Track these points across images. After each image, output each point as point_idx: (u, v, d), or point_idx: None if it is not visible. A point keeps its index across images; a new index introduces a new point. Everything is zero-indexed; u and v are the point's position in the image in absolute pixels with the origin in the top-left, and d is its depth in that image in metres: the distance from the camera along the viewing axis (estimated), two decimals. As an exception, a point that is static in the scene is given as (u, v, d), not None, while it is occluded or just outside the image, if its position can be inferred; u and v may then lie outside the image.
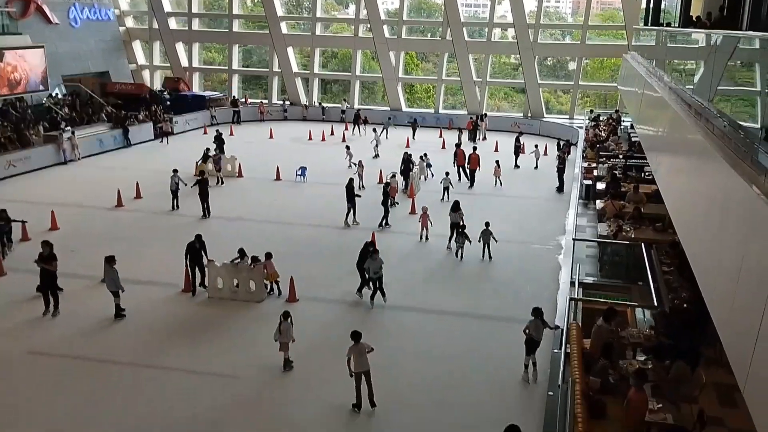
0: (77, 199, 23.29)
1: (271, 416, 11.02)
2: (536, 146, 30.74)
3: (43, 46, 32.37)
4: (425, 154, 27.41)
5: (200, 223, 20.94)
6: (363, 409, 11.09)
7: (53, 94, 35.34)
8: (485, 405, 11.38)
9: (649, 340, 11.27)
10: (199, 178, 22.22)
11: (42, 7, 36.21)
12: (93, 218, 21.44)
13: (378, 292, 15.13)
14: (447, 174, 24.31)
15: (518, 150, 30.21)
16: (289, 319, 12.33)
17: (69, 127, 30.63)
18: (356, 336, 11.15)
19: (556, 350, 11.66)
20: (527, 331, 12.05)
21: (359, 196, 21.29)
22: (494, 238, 18.14)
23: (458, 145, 28.57)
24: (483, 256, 18.22)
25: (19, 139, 28.50)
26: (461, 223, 18.65)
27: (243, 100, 43.96)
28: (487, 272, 17.53)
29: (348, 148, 29.67)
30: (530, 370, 12.14)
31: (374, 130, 33.78)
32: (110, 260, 14.36)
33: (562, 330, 12.02)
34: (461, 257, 18.27)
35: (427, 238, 19.70)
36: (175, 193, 22.25)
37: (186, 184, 22.59)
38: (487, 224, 18.32)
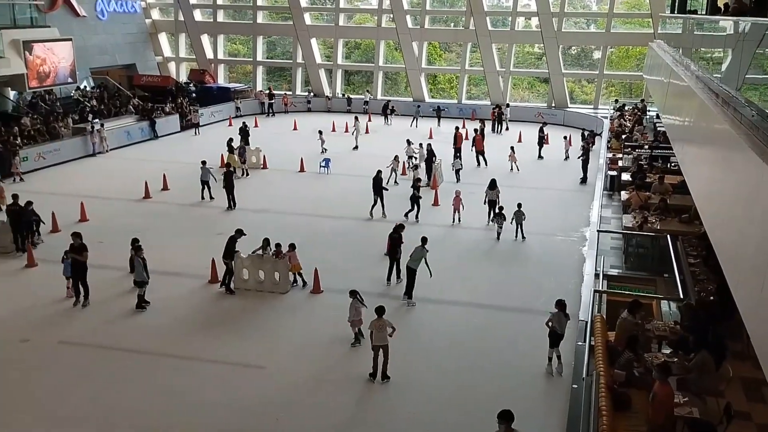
0: (106, 191, 23.70)
1: (298, 407, 11.17)
2: (565, 137, 30.40)
3: (71, 39, 32.76)
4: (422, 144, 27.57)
5: (226, 215, 21.21)
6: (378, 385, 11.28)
7: (81, 87, 35.86)
8: (508, 397, 11.37)
9: (675, 333, 11.21)
10: (225, 170, 22.46)
11: (70, 0, 36.76)
12: (121, 210, 21.81)
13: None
14: (231, 141, 26.37)
15: (542, 141, 30.01)
16: (357, 296, 12.83)
17: (97, 120, 31.12)
18: (380, 311, 11.76)
19: (580, 343, 11.64)
20: (550, 324, 12.06)
21: (386, 189, 21.37)
22: (524, 217, 19.07)
23: (457, 128, 29.28)
24: (516, 236, 19.05)
25: (49, 131, 29.03)
26: (498, 202, 19.93)
27: (268, 91, 44.17)
28: (512, 263, 17.53)
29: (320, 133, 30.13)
30: (554, 362, 12.15)
31: (356, 118, 33.52)
32: (137, 249, 14.65)
33: (586, 322, 12.01)
34: (499, 237, 19.13)
35: (459, 220, 20.33)
36: (206, 183, 22.61)
37: (216, 180, 22.84)
38: (519, 205, 19.16)
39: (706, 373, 9.55)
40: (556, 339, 12.05)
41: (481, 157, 27.82)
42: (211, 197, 22.67)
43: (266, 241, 15.68)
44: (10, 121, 28.73)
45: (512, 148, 27.36)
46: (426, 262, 14.82)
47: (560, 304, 12.05)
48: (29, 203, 18.30)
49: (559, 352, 12.12)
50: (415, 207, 20.77)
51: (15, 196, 18.38)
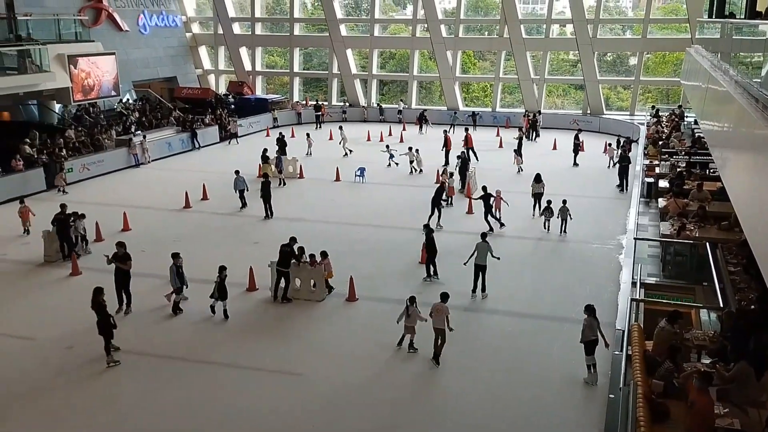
0: (147, 201, 24.32)
1: (335, 413, 11.32)
2: (609, 144, 30.04)
3: (114, 53, 33.76)
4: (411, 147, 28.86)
5: (263, 224, 21.58)
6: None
7: (124, 100, 36.84)
8: (543, 406, 11.39)
9: (715, 343, 11.03)
10: (263, 179, 22.87)
11: (113, 15, 37.92)
12: (162, 219, 22.36)
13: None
14: (458, 158, 26.47)
15: (577, 148, 29.79)
16: (415, 304, 13.05)
17: (139, 132, 31.95)
18: (444, 297, 12.82)
19: (617, 352, 11.53)
20: (586, 335, 12.03)
21: (446, 200, 21.42)
22: (570, 216, 20.25)
23: (445, 132, 31.07)
24: (561, 231, 20.28)
25: (93, 143, 29.93)
26: (543, 194, 21.59)
27: (304, 102, 44.77)
28: (547, 271, 17.45)
29: (388, 146, 30.16)
30: (592, 371, 12.07)
31: (340, 128, 33.82)
32: (174, 257, 15.01)
33: (623, 331, 11.90)
34: (548, 228, 20.51)
35: (499, 220, 20.87)
36: (241, 192, 23.11)
37: (248, 189, 23.30)
38: (564, 201, 20.38)
39: (747, 384, 9.38)
40: (591, 346, 12.03)
41: (471, 153, 29.12)
42: (245, 204, 23.14)
43: (301, 250, 15.92)
44: (56, 133, 29.73)
45: (515, 151, 28.69)
46: (492, 255, 15.68)
47: (589, 309, 12.09)
48: (76, 215, 18.90)
49: (594, 360, 12.05)
50: (435, 211, 20.95)
51: (63, 206, 18.99)
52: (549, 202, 20.62)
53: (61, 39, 31.51)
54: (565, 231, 20.31)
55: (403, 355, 12.87)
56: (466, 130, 31.41)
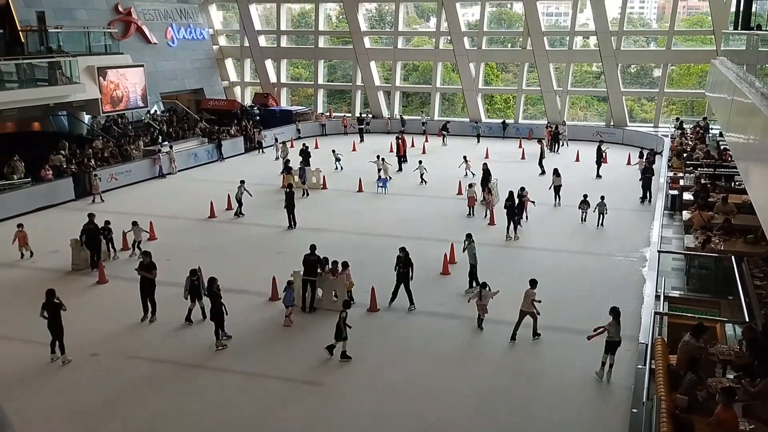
0: (173, 211, 24.70)
1: (354, 424, 11.39)
2: (641, 156, 29.62)
3: (142, 65, 34.33)
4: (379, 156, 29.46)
5: (286, 234, 21.80)
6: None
7: (152, 111, 37.46)
8: (565, 420, 11.35)
9: (740, 358, 10.91)
10: (287, 190, 23.12)
11: (142, 28, 38.73)
12: (188, 229, 22.69)
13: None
14: (420, 162, 28.60)
15: (600, 159, 29.58)
16: (488, 287, 14.74)
17: (167, 142, 32.47)
18: (532, 283, 14.24)
19: (640, 366, 11.46)
20: (603, 330, 12.37)
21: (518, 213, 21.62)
22: (606, 211, 22.07)
23: (397, 137, 32.94)
24: (598, 225, 22.03)
25: (121, 153, 30.49)
26: (561, 185, 24.38)
27: (328, 113, 45.09)
28: (570, 283, 17.37)
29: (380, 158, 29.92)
30: (606, 368, 12.32)
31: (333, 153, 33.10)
32: (191, 272, 15.17)
33: (647, 345, 11.83)
34: (585, 220, 22.51)
35: (527, 218, 22.08)
36: (240, 201, 23.77)
37: (251, 195, 24.09)
38: (602, 197, 22.33)
39: (770, 399, 9.29)
40: (612, 346, 12.30)
41: (307, 158, 30.03)
42: (241, 213, 23.82)
43: (324, 260, 16.03)
44: (85, 143, 30.35)
45: (465, 157, 29.72)
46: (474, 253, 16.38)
47: (615, 312, 12.35)
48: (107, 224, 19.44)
49: (614, 360, 12.28)
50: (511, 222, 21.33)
51: (91, 216, 19.40)
52: (585, 195, 22.59)
53: (91, 51, 32.10)
54: (602, 224, 22.01)
55: (423, 365, 12.89)
56: (397, 138, 32.80)
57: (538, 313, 14.12)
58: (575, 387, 12.32)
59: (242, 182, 24.12)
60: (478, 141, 37.95)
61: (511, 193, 21.19)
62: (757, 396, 9.38)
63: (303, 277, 15.77)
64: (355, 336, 14.54)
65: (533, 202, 22.32)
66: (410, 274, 15.78)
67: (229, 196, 25.11)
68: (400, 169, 30.80)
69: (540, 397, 12.02)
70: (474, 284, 16.29)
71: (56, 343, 13.47)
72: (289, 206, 22.37)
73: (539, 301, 14.05)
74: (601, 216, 22.04)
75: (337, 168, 31.18)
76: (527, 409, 11.65)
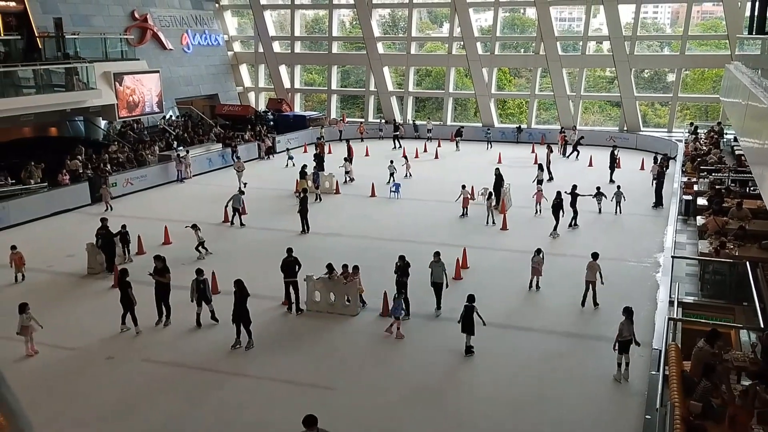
0: (188, 215, 24.81)
1: (367, 428, 11.44)
2: (655, 161, 29.57)
3: (158, 71, 34.65)
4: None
5: (299, 239, 21.88)
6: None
7: (167, 117, 37.79)
8: (578, 426, 11.31)
9: (755, 364, 10.85)
10: (300, 195, 23.21)
11: (158, 34, 39.14)
12: (202, 233, 22.79)
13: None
14: (391, 162, 29.49)
15: (614, 164, 29.42)
16: (541, 254, 16.78)
17: (181, 147, 32.72)
18: (594, 256, 15.94)
19: (653, 372, 11.41)
20: (621, 337, 12.44)
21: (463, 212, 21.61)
22: (624, 197, 23.84)
23: (348, 141, 34.11)
24: (615, 212, 23.78)
25: (136, 158, 30.79)
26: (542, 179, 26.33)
27: (341, 118, 45.21)
28: (581, 289, 17.28)
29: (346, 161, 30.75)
30: (623, 368, 12.38)
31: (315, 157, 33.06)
32: (198, 273, 15.26)
33: (660, 351, 11.78)
34: (600, 210, 23.83)
35: (540, 212, 23.19)
36: (236, 210, 23.48)
37: (245, 212, 23.83)
38: (618, 187, 24.25)
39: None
40: (625, 345, 12.40)
41: (321, 162, 30.56)
42: (242, 224, 23.52)
43: (330, 267, 16.11)
44: (101, 148, 30.69)
45: (405, 157, 31.11)
46: (445, 274, 15.81)
47: (628, 312, 12.52)
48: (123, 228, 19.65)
49: (629, 358, 12.38)
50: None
51: (104, 220, 19.62)
52: (598, 187, 23.96)
53: (107, 57, 32.50)
54: (620, 211, 23.70)
55: (435, 371, 12.89)
56: (318, 139, 34.25)
57: (602, 283, 15.70)
58: (588, 393, 12.28)
59: (242, 192, 24.03)
60: (489, 146, 37.82)
61: (558, 192, 21.87)
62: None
63: (285, 279, 15.96)
64: (367, 341, 14.63)
65: (546, 198, 23.24)
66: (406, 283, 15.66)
67: (242, 200, 25.07)
68: (322, 168, 30.03)
69: (552, 402, 11.98)
70: (439, 306, 15.92)
71: (126, 316, 14.89)
72: (303, 211, 22.47)
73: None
74: (618, 205, 23.65)
75: (287, 165, 32.17)
76: (540, 415, 11.62)
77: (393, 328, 14.61)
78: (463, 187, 24.48)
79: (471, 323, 13.47)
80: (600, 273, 15.76)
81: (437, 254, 15.96)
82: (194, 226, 20.16)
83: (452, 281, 17.59)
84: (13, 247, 18.63)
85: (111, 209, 25.22)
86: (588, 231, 22.23)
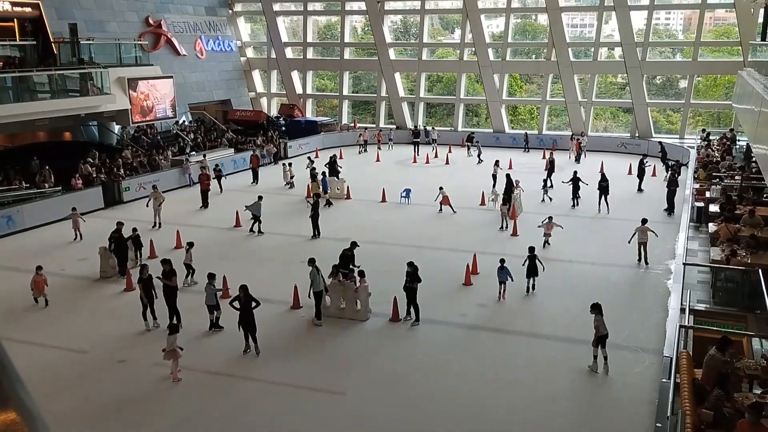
0: (200, 220, 25.04)
1: None
2: (667, 169, 29.41)
3: (172, 77, 34.87)
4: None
5: (310, 244, 21.96)
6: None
7: (180, 122, 38.03)
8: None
9: (767, 373, 10.78)
10: (311, 201, 23.27)
11: (171, 40, 39.48)
12: (213, 237, 22.96)
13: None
14: (314, 170, 28.66)
15: (643, 173, 29.03)
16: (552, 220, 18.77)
17: (194, 152, 32.90)
18: (644, 221, 19.16)
19: (664, 380, 11.35)
20: (600, 329, 12.90)
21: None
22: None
23: (253, 150, 33.21)
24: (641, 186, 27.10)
25: (150, 163, 31.02)
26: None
27: (353, 124, 45.26)
28: (592, 295, 17.08)
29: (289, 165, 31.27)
30: (600, 361, 12.75)
31: (284, 162, 33.31)
32: (210, 277, 15.30)
33: (671, 359, 11.72)
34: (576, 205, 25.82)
35: (549, 244, 21.07)
36: (256, 218, 23.11)
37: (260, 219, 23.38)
38: (604, 176, 25.58)
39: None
40: (603, 339, 12.81)
41: (334, 167, 29.78)
42: (260, 231, 23.09)
43: (335, 268, 16.15)
44: (114, 153, 30.95)
45: (309, 157, 31.52)
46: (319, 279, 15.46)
47: (596, 308, 13.03)
48: (135, 233, 19.78)
49: (606, 353, 12.70)
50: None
51: (119, 224, 19.78)
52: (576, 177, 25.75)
53: (121, 63, 32.72)
54: (608, 209, 25.20)
55: (443, 377, 12.91)
56: (253, 150, 33.39)
57: (656, 235, 19.32)
58: (597, 400, 12.23)
59: (260, 198, 23.60)
60: (475, 152, 36.75)
61: (603, 174, 25.51)
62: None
63: (337, 266, 16.35)
64: (377, 346, 14.65)
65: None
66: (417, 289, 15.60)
67: (237, 213, 24.91)
68: (334, 174, 29.70)
69: (560, 409, 11.94)
70: (319, 318, 15.70)
71: (146, 312, 15.26)
72: (314, 216, 22.57)
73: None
74: (603, 197, 25.21)
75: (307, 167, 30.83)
76: (547, 421, 11.58)
77: (501, 292, 16.78)
78: (441, 188, 25.46)
79: (534, 268, 16.98)
80: (652, 232, 19.19)
81: (410, 263, 15.82)
82: (189, 244, 18.90)
83: (462, 287, 17.62)
84: (39, 268, 16.77)
85: (81, 239, 22.53)
86: (598, 237, 22.14)
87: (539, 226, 21.01)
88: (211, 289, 15.16)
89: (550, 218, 21.10)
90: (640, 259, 19.32)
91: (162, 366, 13.63)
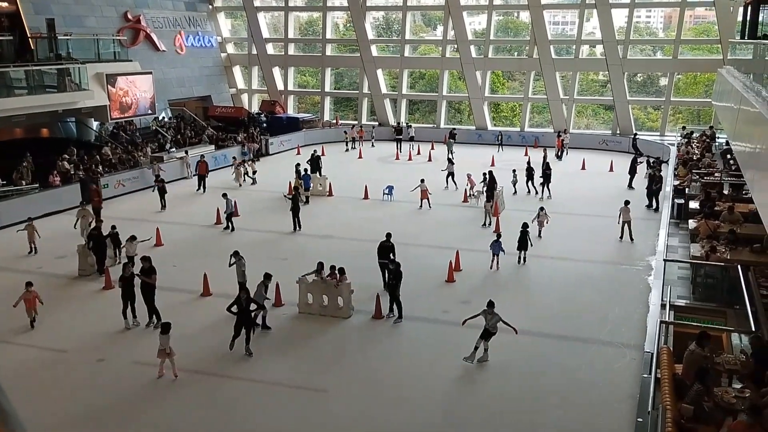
0: (180, 217, 24.78)
1: (362, 430, 11.39)
2: (648, 166, 29.49)
3: (151, 72, 34.55)
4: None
5: (291, 239, 21.84)
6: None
7: (159, 118, 37.64)
8: (569, 429, 11.31)
9: (746, 367, 10.86)
10: (289, 196, 23.22)
11: (151, 36, 38.97)
12: (193, 235, 22.77)
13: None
14: (298, 165, 28.80)
15: (634, 170, 29.13)
16: (544, 210, 19.22)
17: (174, 149, 32.60)
18: (541, 209, 21.18)
19: (645, 375, 11.42)
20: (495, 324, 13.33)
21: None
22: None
23: (202, 156, 31.33)
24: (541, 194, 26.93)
25: (128, 159, 30.65)
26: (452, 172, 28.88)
27: (335, 121, 45.08)
28: (575, 292, 17.34)
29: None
30: (479, 352, 13.12)
31: (242, 161, 33.04)
32: (266, 277, 15.08)
33: (652, 354, 11.79)
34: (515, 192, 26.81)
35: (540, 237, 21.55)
36: (229, 216, 23.13)
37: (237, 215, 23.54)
38: (547, 165, 27.18)
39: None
40: (488, 334, 13.23)
41: (203, 181, 29.23)
42: (232, 228, 23.11)
43: (320, 265, 16.07)
44: (93, 149, 30.53)
45: (234, 158, 31.82)
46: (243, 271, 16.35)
47: (489, 304, 13.44)
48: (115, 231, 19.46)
49: (487, 345, 13.20)
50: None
51: (99, 221, 19.49)
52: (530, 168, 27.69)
53: (100, 58, 32.33)
54: (549, 196, 26.89)
55: (425, 373, 12.88)
56: (202, 156, 32.14)
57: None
58: (579, 396, 12.28)
59: (224, 195, 23.48)
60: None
61: (547, 163, 27.43)
62: (765, 406, 9.32)
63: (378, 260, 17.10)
64: (359, 343, 14.60)
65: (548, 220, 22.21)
66: (399, 286, 15.63)
67: (235, 202, 24.96)
68: (316, 170, 29.87)
69: (543, 405, 11.98)
70: (391, 310, 15.86)
71: (126, 311, 15.10)
72: (295, 209, 22.59)
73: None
74: (545, 186, 26.94)
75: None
76: (530, 418, 11.61)
77: (493, 263, 18.54)
78: (422, 180, 25.56)
79: (525, 242, 19.04)
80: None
81: (392, 260, 16.21)
82: (131, 238, 18.45)
83: (445, 284, 17.60)
84: (29, 284, 15.36)
85: (35, 252, 20.92)
86: (579, 234, 22.25)
87: (534, 220, 21.32)
88: (261, 289, 14.85)
89: (542, 209, 21.88)
90: (622, 236, 21.12)
91: (142, 365, 13.48)
